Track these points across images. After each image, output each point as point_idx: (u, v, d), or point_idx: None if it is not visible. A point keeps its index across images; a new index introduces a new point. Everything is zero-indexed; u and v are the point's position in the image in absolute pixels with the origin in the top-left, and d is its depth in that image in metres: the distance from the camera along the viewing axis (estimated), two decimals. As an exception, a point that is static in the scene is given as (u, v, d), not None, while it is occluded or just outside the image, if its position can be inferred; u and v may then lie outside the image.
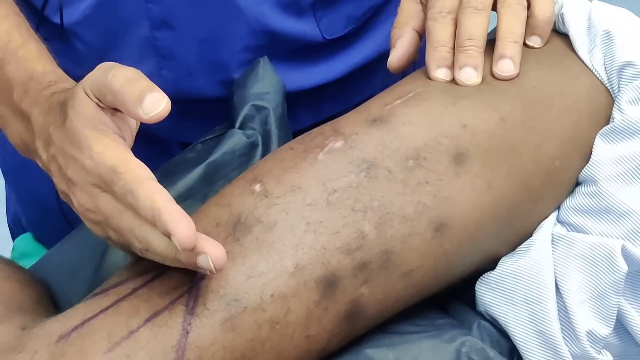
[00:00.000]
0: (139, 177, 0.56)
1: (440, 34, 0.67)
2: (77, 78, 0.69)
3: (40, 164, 0.66)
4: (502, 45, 0.67)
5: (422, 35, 0.70)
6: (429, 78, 0.67)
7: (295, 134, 0.68)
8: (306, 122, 0.82)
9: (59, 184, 0.62)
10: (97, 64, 0.79)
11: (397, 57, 0.71)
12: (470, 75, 0.66)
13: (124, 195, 0.56)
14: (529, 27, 0.68)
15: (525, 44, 0.68)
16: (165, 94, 0.57)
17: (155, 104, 0.56)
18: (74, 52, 0.80)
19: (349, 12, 0.82)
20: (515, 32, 0.67)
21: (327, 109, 0.84)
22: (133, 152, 0.61)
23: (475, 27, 0.66)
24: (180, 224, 0.53)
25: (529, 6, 0.68)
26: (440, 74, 0.67)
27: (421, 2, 0.71)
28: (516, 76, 0.66)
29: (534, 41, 0.69)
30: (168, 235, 0.54)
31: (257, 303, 0.58)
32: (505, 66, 0.66)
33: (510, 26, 0.67)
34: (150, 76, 0.78)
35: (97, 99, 0.59)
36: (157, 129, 0.74)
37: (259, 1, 0.77)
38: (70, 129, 0.59)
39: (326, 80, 0.83)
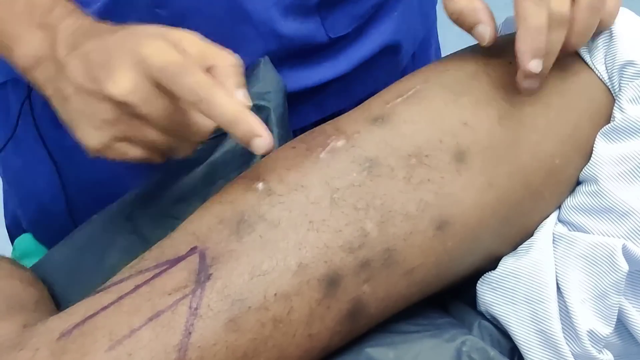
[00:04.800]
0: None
1: (539, 20, 0.62)
2: None
3: (49, 71, 0.64)
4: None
5: None
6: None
7: (301, 131, 0.68)
8: (311, 118, 0.82)
9: (78, 77, 0.62)
10: None
11: (491, 31, 0.64)
12: (536, 65, 0.62)
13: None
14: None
15: None
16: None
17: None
18: None
19: (353, 10, 0.82)
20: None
21: (332, 104, 0.83)
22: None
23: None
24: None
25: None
26: (536, 65, 0.62)
27: None
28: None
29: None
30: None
31: (261, 302, 0.58)
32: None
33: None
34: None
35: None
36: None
37: (267, 6, 0.77)
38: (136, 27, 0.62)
39: (330, 77, 0.83)
